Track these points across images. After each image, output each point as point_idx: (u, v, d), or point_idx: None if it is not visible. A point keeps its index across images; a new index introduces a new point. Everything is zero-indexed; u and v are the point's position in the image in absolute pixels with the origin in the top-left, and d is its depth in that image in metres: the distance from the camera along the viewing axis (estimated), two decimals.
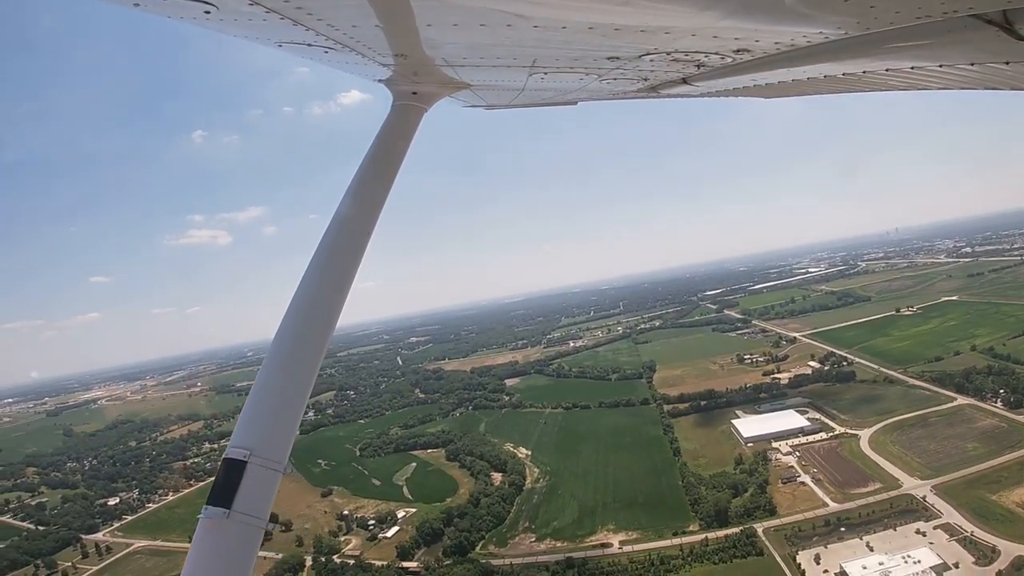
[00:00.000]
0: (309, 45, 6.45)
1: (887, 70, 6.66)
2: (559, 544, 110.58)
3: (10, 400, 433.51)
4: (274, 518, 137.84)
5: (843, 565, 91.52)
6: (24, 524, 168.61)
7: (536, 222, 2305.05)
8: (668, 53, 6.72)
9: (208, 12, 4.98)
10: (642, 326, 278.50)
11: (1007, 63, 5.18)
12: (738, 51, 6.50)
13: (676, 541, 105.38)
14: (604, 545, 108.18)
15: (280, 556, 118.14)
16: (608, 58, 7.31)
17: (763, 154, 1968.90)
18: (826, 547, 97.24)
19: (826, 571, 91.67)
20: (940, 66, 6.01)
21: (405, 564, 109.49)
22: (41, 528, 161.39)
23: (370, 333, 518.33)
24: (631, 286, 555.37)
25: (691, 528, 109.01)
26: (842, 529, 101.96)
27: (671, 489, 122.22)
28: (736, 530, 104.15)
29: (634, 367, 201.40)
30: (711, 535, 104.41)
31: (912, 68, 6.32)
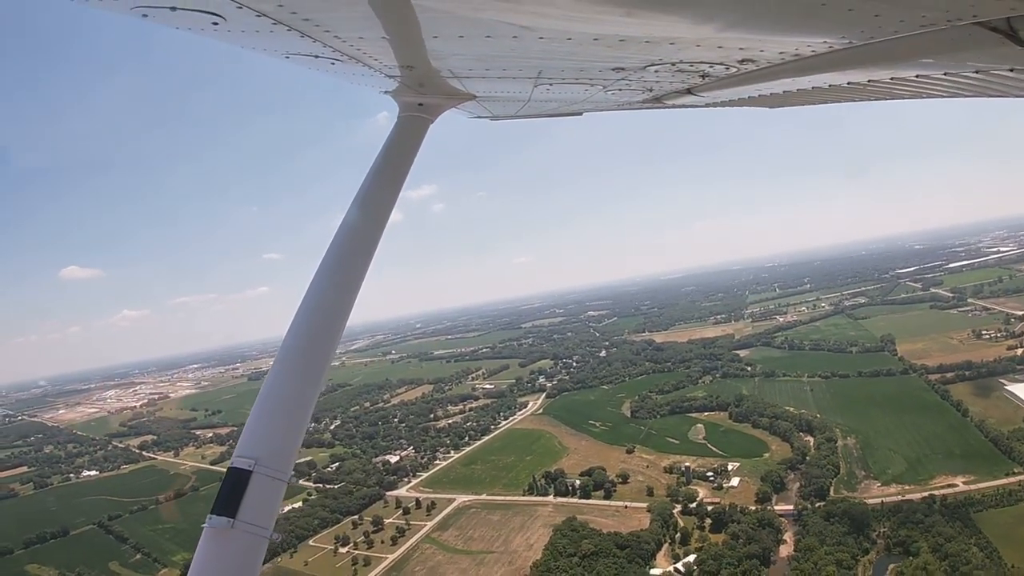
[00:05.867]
0: (316, 57, 6.72)
1: (892, 79, 6.79)
2: (906, 487, 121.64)
3: (195, 365, 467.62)
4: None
5: None
6: (300, 482, 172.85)
7: (686, 201, 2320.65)
8: (673, 64, 6.91)
9: (216, 24, 5.17)
10: (847, 303, 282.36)
11: (1011, 70, 5.35)
12: (742, 61, 6.60)
13: (1013, 480, 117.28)
14: (950, 485, 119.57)
15: (646, 505, 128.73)
16: (613, 69, 7.50)
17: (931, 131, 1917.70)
18: None
19: None
20: (945, 74, 6.15)
21: (778, 509, 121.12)
22: (328, 486, 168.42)
23: (539, 307, 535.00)
24: (801, 263, 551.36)
25: (1016, 471, 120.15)
26: None
27: (978, 443, 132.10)
28: None
29: (870, 340, 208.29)
30: None
31: (917, 76, 6.44)
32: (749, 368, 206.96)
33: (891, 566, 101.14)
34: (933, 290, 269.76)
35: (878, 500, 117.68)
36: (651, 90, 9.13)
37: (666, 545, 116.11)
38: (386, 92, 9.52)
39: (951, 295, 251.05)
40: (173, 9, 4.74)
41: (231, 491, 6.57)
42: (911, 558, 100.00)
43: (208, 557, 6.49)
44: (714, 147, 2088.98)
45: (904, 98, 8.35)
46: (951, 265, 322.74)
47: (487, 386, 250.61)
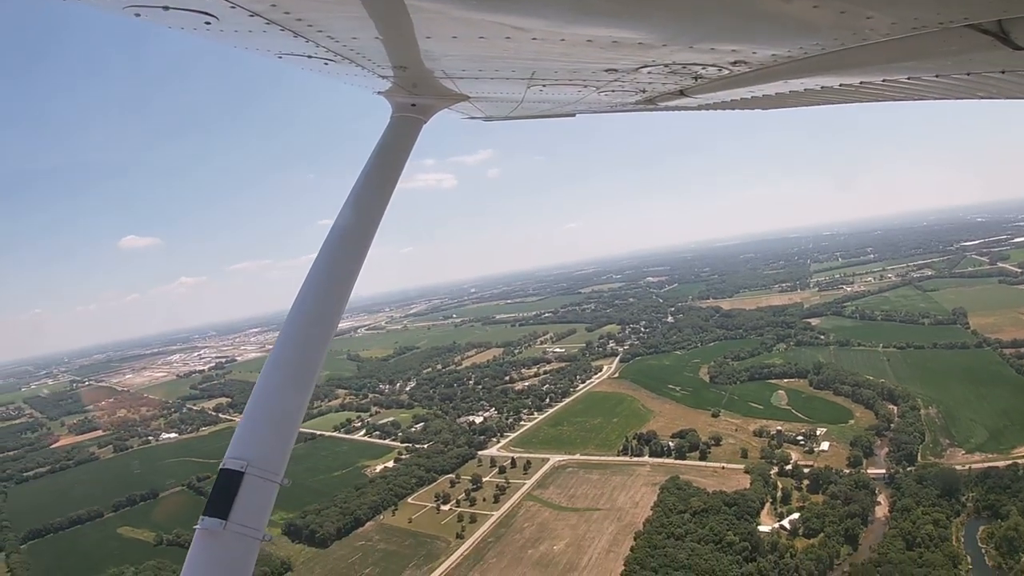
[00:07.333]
0: (309, 57, 6.73)
1: (883, 81, 6.87)
2: (990, 455, 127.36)
3: (255, 329, 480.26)
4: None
5: None
6: (386, 442, 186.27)
7: (738, 166, 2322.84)
8: (665, 65, 6.93)
9: (209, 23, 5.19)
10: (914, 274, 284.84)
11: (1003, 72, 5.41)
12: (735, 63, 6.61)
13: None
14: None
15: (742, 466, 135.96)
16: (606, 70, 7.52)
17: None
18: None
19: None
20: (936, 76, 6.19)
21: (870, 472, 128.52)
22: (417, 446, 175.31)
23: (594, 272, 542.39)
24: (862, 232, 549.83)
25: None
26: None
27: None
28: None
29: (941, 313, 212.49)
30: None
31: (908, 79, 6.51)
32: (823, 337, 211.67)
33: (981, 527, 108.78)
34: (1000, 264, 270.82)
35: (965, 467, 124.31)
36: (644, 91, 9.30)
37: (768, 504, 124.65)
38: (379, 93, 9.64)
39: (1019, 270, 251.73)
40: (165, 8, 4.89)
41: (223, 492, 6.68)
42: (1000, 521, 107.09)
43: (200, 559, 6.58)
44: (752, 115, 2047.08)
45: (896, 100, 8.42)
46: (1017, 239, 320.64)
47: (557, 350, 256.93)
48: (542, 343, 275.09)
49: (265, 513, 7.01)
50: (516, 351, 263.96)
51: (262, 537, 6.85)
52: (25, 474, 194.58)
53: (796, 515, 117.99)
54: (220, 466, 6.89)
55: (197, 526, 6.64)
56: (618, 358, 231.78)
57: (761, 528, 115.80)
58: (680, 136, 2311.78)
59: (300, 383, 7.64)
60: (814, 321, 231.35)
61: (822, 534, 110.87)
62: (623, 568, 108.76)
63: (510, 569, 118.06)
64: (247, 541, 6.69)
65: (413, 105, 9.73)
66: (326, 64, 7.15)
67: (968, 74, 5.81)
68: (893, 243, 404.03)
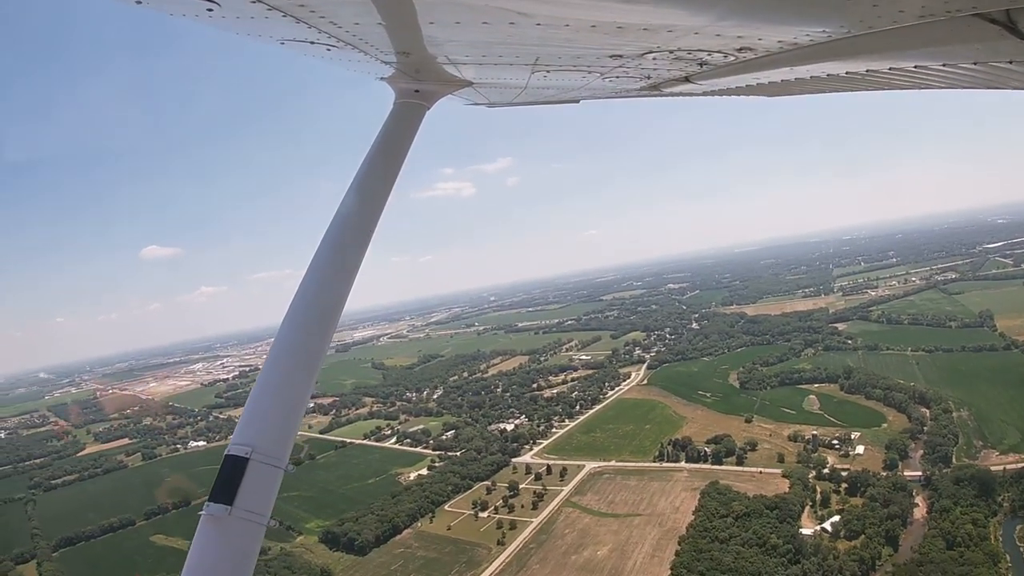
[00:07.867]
0: (311, 43, 6.70)
1: (890, 69, 6.79)
2: (1023, 456, 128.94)
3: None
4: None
5: None
6: (418, 450, 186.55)
7: (751, 172, 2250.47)
8: (671, 51, 6.89)
9: (211, 10, 5.15)
10: (938, 277, 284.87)
11: (1011, 62, 5.28)
12: (741, 49, 6.58)
13: None
14: None
15: (780, 471, 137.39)
16: (610, 56, 7.52)
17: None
18: None
19: None
20: (943, 65, 6.13)
21: (906, 475, 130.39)
22: (450, 453, 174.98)
23: (615, 279, 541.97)
24: (882, 236, 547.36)
25: None
26: None
27: None
28: None
29: (967, 316, 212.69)
30: None
31: (915, 67, 6.44)
32: (850, 341, 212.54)
33: (1018, 526, 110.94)
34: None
35: (1000, 467, 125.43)
36: (649, 78, 9.19)
37: (808, 507, 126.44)
38: (382, 79, 9.54)
39: None
40: None
41: (228, 479, 6.73)
42: None
43: (206, 544, 6.66)
44: (765, 121, 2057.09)
45: (902, 88, 8.34)
46: None
47: (583, 357, 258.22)
48: (567, 351, 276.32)
49: (270, 499, 7.01)
50: (542, 359, 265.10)
51: (267, 523, 6.89)
52: (53, 482, 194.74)
53: (837, 518, 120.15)
54: (225, 452, 6.92)
55: (202, 512, 6.71)
56: (645, 365, 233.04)
57: (803, 531, 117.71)
58: (694, 141, 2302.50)
59: (304, 370, 7.68)
60: (840, 326, 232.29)
61: (863, 536, 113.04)
62: (669, 572, 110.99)
63: (554, 575, 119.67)
64: (253, 527, 6.78)
65: (416, 91, 9.77)
66: (328, 50, 7.18)
67: (975, 64, 5.78)
68: (915, 246, 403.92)
